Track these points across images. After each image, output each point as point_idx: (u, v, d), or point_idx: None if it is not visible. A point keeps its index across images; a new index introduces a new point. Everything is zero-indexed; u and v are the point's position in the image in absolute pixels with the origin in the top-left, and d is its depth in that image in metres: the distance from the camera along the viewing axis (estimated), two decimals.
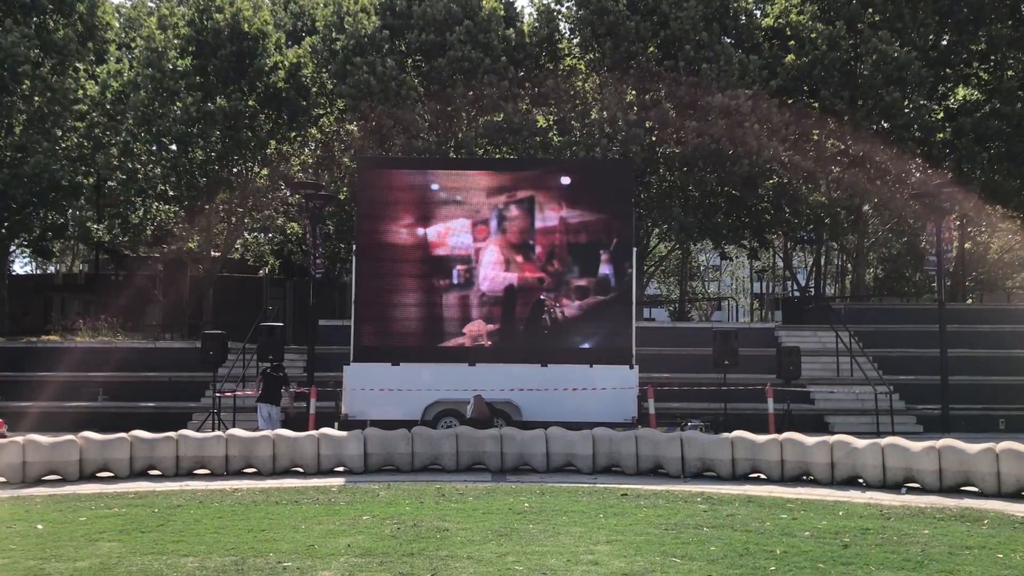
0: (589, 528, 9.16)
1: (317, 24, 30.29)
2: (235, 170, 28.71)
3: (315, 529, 9.15)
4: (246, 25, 27.52)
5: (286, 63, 28.37)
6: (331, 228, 29.51)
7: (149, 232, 29.70)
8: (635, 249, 17.77)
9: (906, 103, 25.81)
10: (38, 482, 13.22)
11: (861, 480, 12.59)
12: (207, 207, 27.90)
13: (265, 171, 29.16)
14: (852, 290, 33.68)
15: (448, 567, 7.46)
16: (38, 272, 47.83)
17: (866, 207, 28.33)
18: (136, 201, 29.20)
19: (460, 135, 26.89)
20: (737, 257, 46.31)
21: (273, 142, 28.77)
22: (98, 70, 28.90)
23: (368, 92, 25.91)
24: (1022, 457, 11.58)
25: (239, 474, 13.80)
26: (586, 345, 16.98)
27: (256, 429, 15.77)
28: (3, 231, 27.34)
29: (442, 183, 17.37)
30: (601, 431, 14.21)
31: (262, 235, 35.08)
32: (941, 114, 27.83)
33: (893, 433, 17.33)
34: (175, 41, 27.51)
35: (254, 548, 8.25)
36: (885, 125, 26.42)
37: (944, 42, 28.49)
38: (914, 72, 25.46)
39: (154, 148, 28.03)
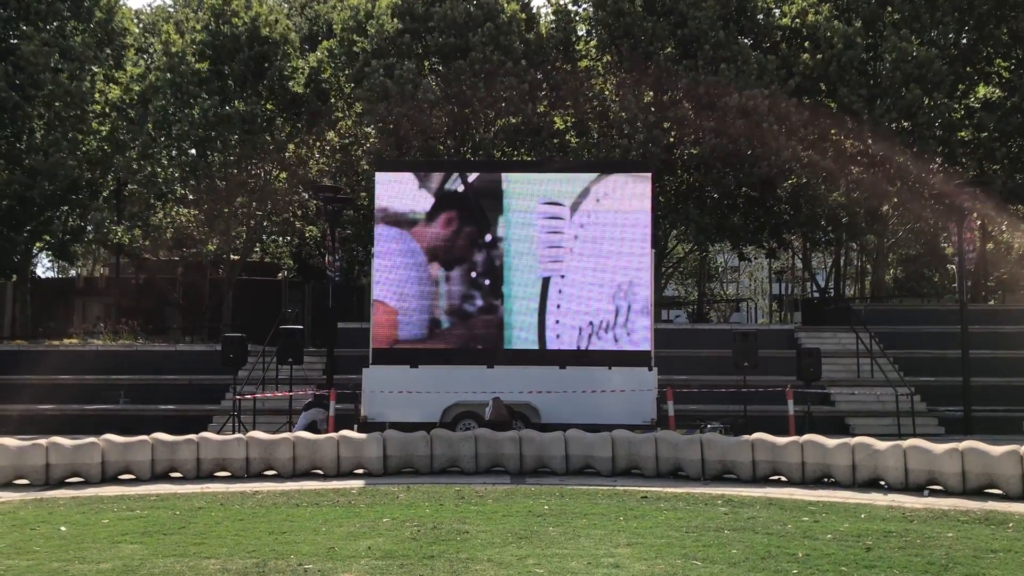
0: (609, 531, 9.13)
1: (334, 28, 30.43)
2: (254, 173, 28.86)
3: (335, 531, 9.17)
4: (266, 29, 27.69)
5: (305, 67, 28.51)
6: (349, 231, 29.62)
7: (169, 235, 29.92)
8: (653, 251, 17.71)
9: (927, 101, 25.60)
10: (61, 484, 13.33)
11: (883, 482, 12.49)
12: (226, 210, 28.05)
13: (283, 174, 29.30)
14: (872, 291, 33.44)
15: (468, 570, 7.46)
16: (60, 276, 48.27)
17: (886, 207, 28.11)
18: (156, 204, 29.44)
19: (478, 137, 26.92)
20: (756, 258, 46.12)
21: (291, 145, 28.91)
22: (119, 74, 29.14)
23: (385, 95, 25.98)
24: None
25: (259, 476, 13.86)
26: (604, 347, 16.92)
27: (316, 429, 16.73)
28: (25, 234, 27.60)
29: (459, 186, 17.39)
30: (620, 433, 14.17)
31: (280, 238, 35.24)
32: (962, 112, 27.60)
33: (915, 435, 17.17)
34: (193, 46, 27.71)
35: (275, 550, 8.28)
36: (905, 124, 26.22)
37: (964, 40, 28.24)
38: (935, 70, 25.26)
39: (173, 152, 28.24)
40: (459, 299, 17.10)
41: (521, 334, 16.95)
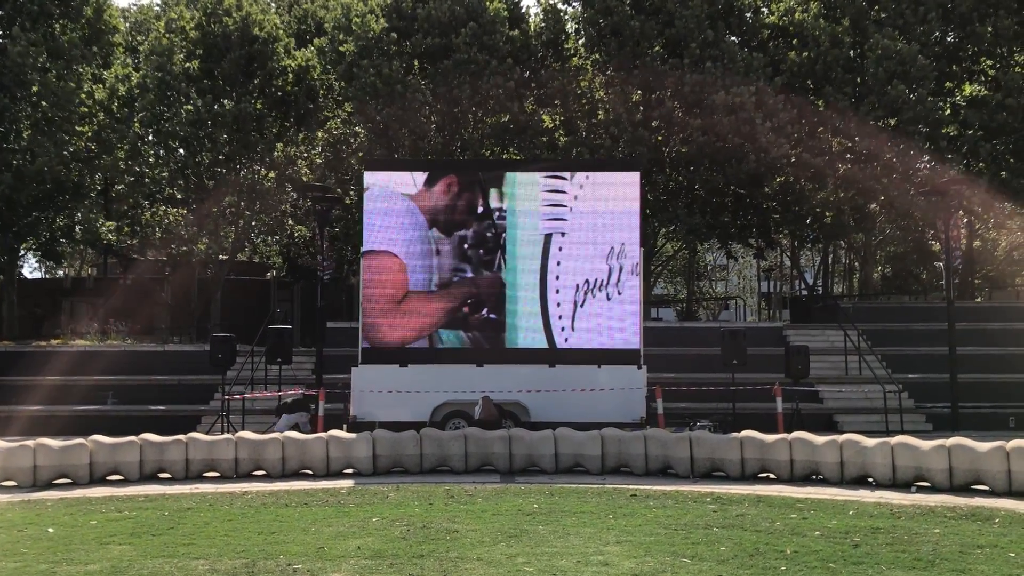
0: (599, 529, 9.15)
1: (325, 27, 30.35)
2: (242, 172, 28.78)
3: (325, 531, 9.17)
4: (257, 28, 27.60)
5: (294, 66, 28.46)
6: (338, 230, 29.57)
7: (157, 235, 29.77)
8: (642, 249, 17.77)
9: (911, 97, 25.71)
10: (49, 486, 13.27)
11: (871, 479, 12.55)
12: (215, 209, 27.95)
13: (272, 173, 29.21)
14: (860, 288, 33.60)
15: (458, 568, 7.46)
16: (47, 276, 48.03)
17: (873, 205, 28.22)
18: (144, 204, 29.26)
19: (466, 136, 26.89)
20: (744, 256, 46.26)
21: (280, 144, 28.82)
22: (105, 74, 29.00)
23: (375, 94, 25.94)
24: None
25: (248, 477, 13.83)
26: (594, 346, 16.96)
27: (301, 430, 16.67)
28: (12, 234, 27.45)
29: (449, 184, 17.40)
30: (610, 432, 14.20)
31: (269, 238, 35.16)
32: (948, 110, 27.74)
33: (902, 432, 17.28)
34: (183, 44, 27.60)
35: (264, 550, 8.27)
36: (891, 122, 26.34)
37: (949, 38, 28.39)
38: (919, 66, 25.36)
39: (161, 151, 28.13)
40: (455, 262, 17.29)
41: (525, 294, 17.20)
